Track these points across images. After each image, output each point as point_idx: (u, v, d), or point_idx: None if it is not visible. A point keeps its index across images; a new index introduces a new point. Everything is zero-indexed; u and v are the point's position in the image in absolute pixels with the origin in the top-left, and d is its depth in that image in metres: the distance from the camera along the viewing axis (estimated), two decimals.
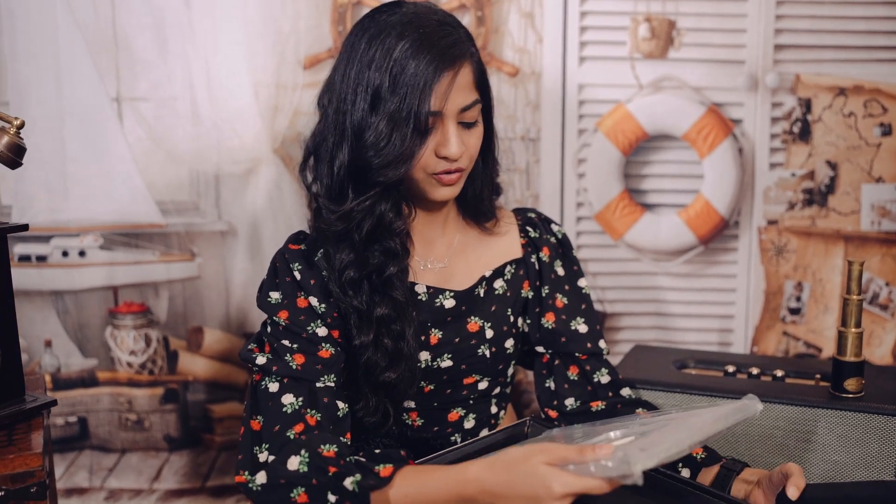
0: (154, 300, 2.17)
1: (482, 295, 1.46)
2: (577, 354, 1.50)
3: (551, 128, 2.13)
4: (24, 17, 2.03)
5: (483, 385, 1.49)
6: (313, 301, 1.35)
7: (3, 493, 1.24)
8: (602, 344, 1.52)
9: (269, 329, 1.36)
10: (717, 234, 2.14)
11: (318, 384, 1.30)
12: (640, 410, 1.44)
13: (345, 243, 1.34)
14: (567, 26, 2.09)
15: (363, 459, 1.20)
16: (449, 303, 1.43)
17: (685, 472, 1.34)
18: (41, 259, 2.13)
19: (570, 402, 1.48)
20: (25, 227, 1.45)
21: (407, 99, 1.26)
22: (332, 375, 1.32)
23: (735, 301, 2.19)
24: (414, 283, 1.41)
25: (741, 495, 1.26)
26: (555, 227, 1.56)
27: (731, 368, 1.72)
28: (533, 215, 1.57)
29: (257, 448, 1.26)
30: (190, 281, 2.17)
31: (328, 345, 1.34)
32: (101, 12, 2.05)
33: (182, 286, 2.17)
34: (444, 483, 1.12)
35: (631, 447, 1.02)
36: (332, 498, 1.16)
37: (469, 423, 1.50)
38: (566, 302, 1.51)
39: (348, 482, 1.15)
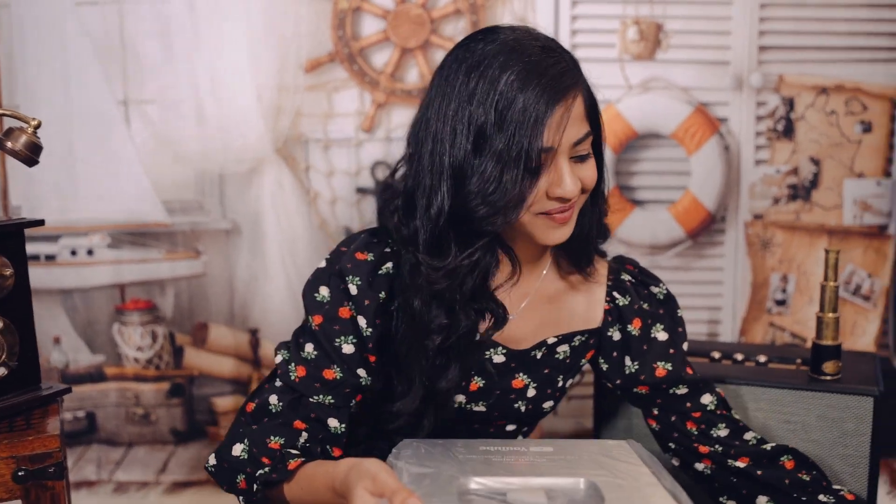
0: (160, 297, 2.24)
1: (538, 357, 1.37)
2: (686, 413, 1.42)
3: None
4: (33, 24, 2.10)
5: (511, 427, 1.46)
6: (361, 322, 1.28)
7: (22, 473, 1.30)
8: (706, 399, 1.41)
9: (302, 325, 1.33)
10: (704, 229, 2.21)
11: (311, 399, 1.29)
12: (784, 460, 1.37)
13: (439, 300, 1.24)
14: (558, 29, 2.16)
15: (294, 451, 1.24)
16: (499, 358, 1.35)
17: None
18: (50, 258, 2.19)
19: (704, 449, 1.39)
20: (42, 223, 1.51)
21: (516, 136, 1.13)
22: (330, 397, 1.29)
23: (723, 293, 2.26)
24: None
25: None
26: (654, 289, 1.42)
27: (716, 355, 1.79)
28: (627, 277, 1.41)
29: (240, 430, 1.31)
30: (195, 278, 2.23)
31: (340, 368, 1.28)
32: (109, 19, 2.12)
33: (187, 283, 2.23)
34: (323, 478, 1.15)
35: None
36: (254, 487, 1.23)
37: None
38: (669, 369, 1.39)
39: (258, 473, 1.22)
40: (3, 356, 1.40)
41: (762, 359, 1.75)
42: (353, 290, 1.27)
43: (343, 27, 2.14)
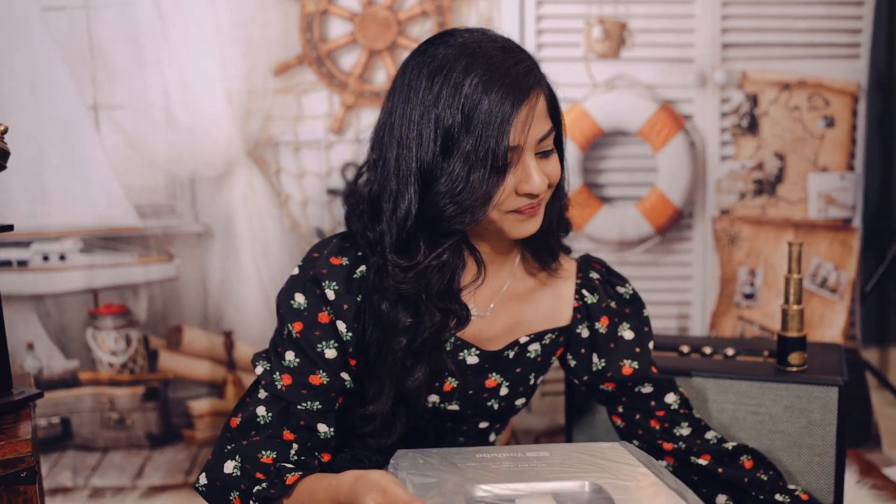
0: (133, 301, 2.24)
1: (511, 357, 1.39)
2: (651, 411, 1.45)
3: None
4: None
5: (484, 425, 1.47)
6: (341, 326, 1.29)
7: None
8: (670, 398, 1.45)
9: (279, 334, 1.32)
10: (672, 225, 2.25)
11: (299, 406, 1.28)
12: (743, 460, 1.39)
13: (405, 302, 1.26)
14: (524, 29, 2.19)
15: (290, 465, 1.23)
16: (472, 360, 1.36)
17: None
18: (22, 264, 2.19)
19: (668, 446, 1.41)
20: (10, 228, 1.51)
21: (483, 137, 1.16)
22: (318, 403, 1.28)
23: (692, 288, 2.29)
24: None
25: None
26: (620, 289, 1.44)
27: (685, 349, 1.81)
28: (595, 276, 1.44)
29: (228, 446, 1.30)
30: (168, 282, 2.24)
31: (326, 372, 1.28)
32: (76, 25, 2.12)
33: (161, 287, 2.24)
34: (325, 491, 1.15)
35: None
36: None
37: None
38: (636, 367, 1.42)
39: (255, 489, 1.20)
40: None
41: (730, 352, 1.77)
42: (331, 295, 1.28)
43: (311, 30, 2.15)
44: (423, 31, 2.17)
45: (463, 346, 1.35)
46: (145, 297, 2.24)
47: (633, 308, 1.45)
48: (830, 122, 2.22)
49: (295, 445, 1.27)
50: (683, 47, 2.20)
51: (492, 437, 1.53)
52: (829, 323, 2.28)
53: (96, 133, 2.16)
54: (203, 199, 2.22)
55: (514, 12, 2.17)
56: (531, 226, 1.27)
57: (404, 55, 2.15)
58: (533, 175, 1.21)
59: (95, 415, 2.27)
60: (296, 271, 1.32)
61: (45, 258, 2.19)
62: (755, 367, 1.70)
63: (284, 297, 1.30)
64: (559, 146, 1.30)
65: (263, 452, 1.24)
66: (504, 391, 1.41)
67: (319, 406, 1.28)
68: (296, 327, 1.28)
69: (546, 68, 2.15)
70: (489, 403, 1.42)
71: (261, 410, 1.28)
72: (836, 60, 2.20)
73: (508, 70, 1.19)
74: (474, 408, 1.41)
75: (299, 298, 1.29)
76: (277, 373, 1.28)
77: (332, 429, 1.30)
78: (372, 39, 2.14)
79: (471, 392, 1.38)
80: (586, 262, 1.46)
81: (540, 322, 1.40)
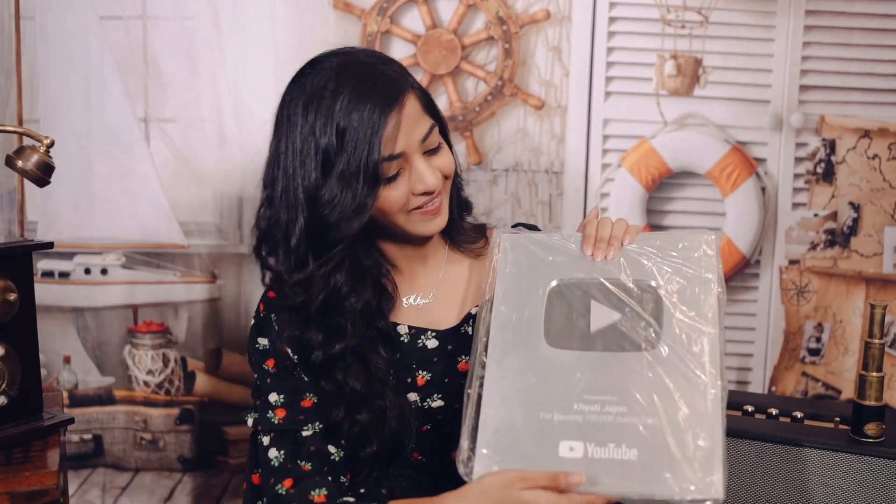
0: (173, 320, 2.19)
1: (470, 333, 1.38)
2: None
3: (575, 161, 2.14)
4: (56, 37, 2.07)
5: None
6: (289, 351, 1.32)
7: None
8: None
9: (257, 385, 1.35)
10: (738, 273, 2.14)
11: (303, 433, 1.29)
12: None
13: (309, 322, 1.30)
14: (594, 61, 2.11)
15: (351, 500, 1.25)
16: (431, 343, 1.38)
17: None
18: (64, 275, 2.15)
19: None
20: (50, 245, 1.47)
21: (355, 153, 1.22)
22: (318, 423, 1.30)
23: (755, 340, 2.18)
24: (396, 324, 1.37)
25: None
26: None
27: (749, 408, 1.71)
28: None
29: (259, 502, 1.30)
30: (210, 302, 2.18)
31: (311, 393, 1.31)
32: (133, 34, 2.09)
33: (202, 307, 2.18)
34: None
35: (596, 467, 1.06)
36: None
37: None
38: None
39: None
40: (3, 385, 1.35)
41: (798, 415, 1.67)
42: (276, 325, 1.32)
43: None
44: (488, 56, 2.10)
45: (419, 332, 1.37)
46: (185, 317, 2.19)
47: None
48: None
49: (343, 479, 1.28)
50: (759, 88, 2.10)
51: None
52: None
53: (146, 146, 2.12)
54: (250, 219, 2.15)
55: (585, 42, 2.09)
56: (438, 223, 1.32)
57: (467, 81, 2.10)
58: (424, 175, 1.27)
59: (128, 434, 2.21)
60: (252, 321, 1.36)
61: (87, 271, 2.15)
62: (826, 433, 1.60)
63: (251, 346, 1.34)
64: (445, 136, 1.35)
65: (314, 492, 1.25)
66: None
67: (321, 426, 1.30)
68: (269, 364, 1.32)
69: (614, 103, 2.10)
70: None
71: (272, 453, 1.29)
72: None
73: (374, 82, 1.24)
74: (459, 399, 1.33)
75: (262, 341, 1.33)
76: (270, 411, 1.31)
77: (340, 451, 1.31)
78: (434, 63, 2.07)
79: (447, 380, 1.37)
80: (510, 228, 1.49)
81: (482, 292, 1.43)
